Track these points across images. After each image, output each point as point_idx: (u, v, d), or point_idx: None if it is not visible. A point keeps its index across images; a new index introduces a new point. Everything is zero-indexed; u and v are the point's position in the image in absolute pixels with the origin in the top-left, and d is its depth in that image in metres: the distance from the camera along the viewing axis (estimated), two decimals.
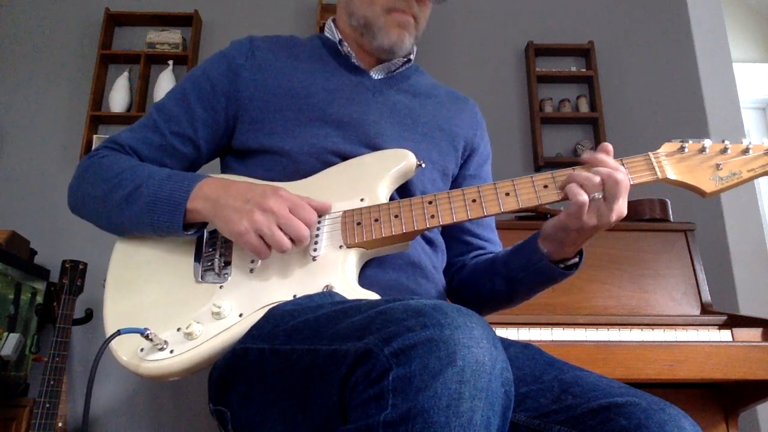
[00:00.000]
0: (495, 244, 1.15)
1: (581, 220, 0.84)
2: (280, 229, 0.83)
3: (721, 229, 2.44)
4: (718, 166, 0.87)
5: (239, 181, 0.92)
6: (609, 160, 0.86)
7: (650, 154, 0.89)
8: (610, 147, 0.88)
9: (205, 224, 0.93)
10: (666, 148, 0.90)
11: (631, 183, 0.86)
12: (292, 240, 0.84)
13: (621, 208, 0.84)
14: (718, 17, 2.73)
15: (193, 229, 0.92)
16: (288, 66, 1.05)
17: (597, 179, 0.83)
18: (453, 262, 1.13)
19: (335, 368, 0.62)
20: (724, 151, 0.88)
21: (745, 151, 0.88)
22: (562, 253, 0.92)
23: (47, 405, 1.80)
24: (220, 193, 0.88)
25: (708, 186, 0.87)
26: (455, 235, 1.12)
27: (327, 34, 1.12)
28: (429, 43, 2.61)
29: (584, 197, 0.83)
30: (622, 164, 0.87)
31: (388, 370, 0.56)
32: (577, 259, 0.95)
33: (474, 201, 0.88)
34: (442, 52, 2.66)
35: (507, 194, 0.87)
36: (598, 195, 0.83)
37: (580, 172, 0.85)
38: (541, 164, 2.47)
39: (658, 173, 0.87)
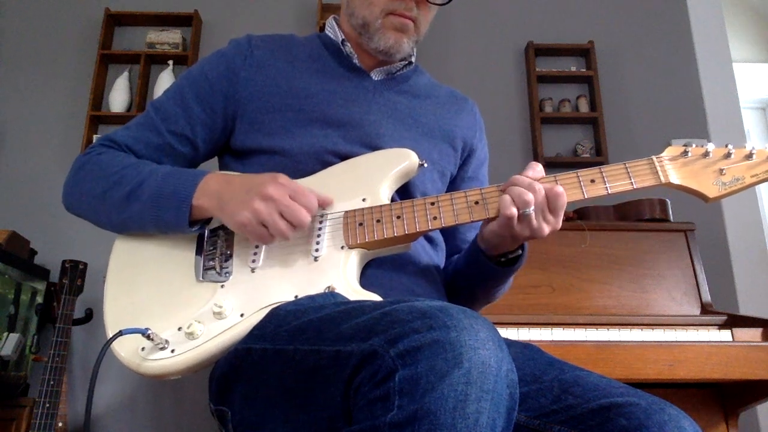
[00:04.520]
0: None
1: (513, 230, 0.85)
2: (282, 216, 0.83)
3: (721, 229, 2.44)
4: (721, 171, 0.87)
5: (240, 174, 0.92)
6: (535, 183, 0.86)
7: (654, 158, 0.88)
8: (539, 166, 0.88)
9: (208, 220, 0.93)
10: (669, 151, 0.89)
11: (635, 187, 0.86)
12: (294, 225, 0.83)
13: (556, 223, 0.85)
14: (718, 17, 2.73)
15: (197, 225, 0.92)
16: (287, 66, 1.04)
17: (529, 196, 0.83)
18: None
19: (339, 369, 0.62)
20: (728, 156, 0.87)
21: (749, 156, 0.87)
22: (500, 249, 0.93)
23: (47, 405, 1.80)
24: (223, 188, 0.88)
25: (711, 191, 0.86)
26: (452, 235, 1.13)
27: (329, 33, 1.11)
28: (429, 43, 2.61)
29: (512, 211, 0.83)
30: (626, 168, 0.87)
31: (394, 371, 0.56)
32: (519, 252, 0.95)
33: (476, 203, 0.88)
34: (442, 52, 2.66)
35: None
36: (528, 210, 0.83)
37: (513, 188, 0.85)
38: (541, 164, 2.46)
39: (662, 177, 0.87)
